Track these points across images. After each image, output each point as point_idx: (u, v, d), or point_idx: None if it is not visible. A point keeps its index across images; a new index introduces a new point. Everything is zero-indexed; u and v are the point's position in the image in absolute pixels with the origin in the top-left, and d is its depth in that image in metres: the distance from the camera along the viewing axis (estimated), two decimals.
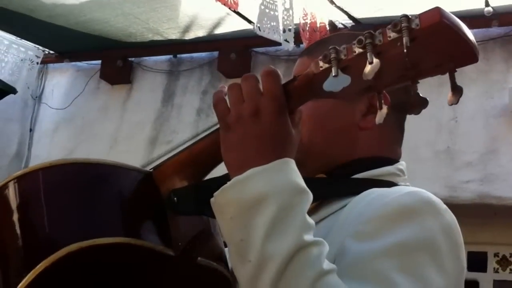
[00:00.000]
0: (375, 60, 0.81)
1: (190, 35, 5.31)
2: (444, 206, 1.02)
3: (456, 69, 0.85)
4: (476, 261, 5.01)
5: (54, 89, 6.30)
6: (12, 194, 0.97)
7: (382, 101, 0.87)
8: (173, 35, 5.32)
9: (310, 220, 0.89)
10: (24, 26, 5.40)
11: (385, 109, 0.87)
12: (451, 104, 0.90)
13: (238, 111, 0.91)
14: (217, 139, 0.95)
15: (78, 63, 6.14)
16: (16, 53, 5.79)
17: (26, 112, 6.35)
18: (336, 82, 0.86)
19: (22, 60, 5.82)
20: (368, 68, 0.82)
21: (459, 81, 0.88)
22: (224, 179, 0.93)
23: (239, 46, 5.27)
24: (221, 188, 0.89)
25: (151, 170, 1.02)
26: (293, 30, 4.28)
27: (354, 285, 0.89)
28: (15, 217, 0.96)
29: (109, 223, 0.95)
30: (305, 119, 1.11)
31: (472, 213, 4.38)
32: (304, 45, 4.49)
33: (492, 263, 5.18)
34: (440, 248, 0.97)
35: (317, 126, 1.15)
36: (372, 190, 1.04)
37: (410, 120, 4.75)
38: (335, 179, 1.15)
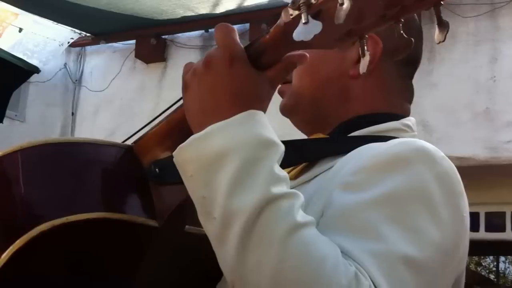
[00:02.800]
0: (346, 1, 0.73)
1: (221, 9, 5.30)
2: (441, 154, 0.94)
3: (442, 2, 0.76)
4: None
5: (92, 71, 6.43)
6: None
7: (365, 48, 0.80)
8: (204, 9, 5.32)
9: (282, 173, 0.83)
10: (59, 10, 5.50)
11: (367, 57, 0.81)
12: (439, 42, 0.81)
13: (194, 67, 0.88)
14: None
15: (114, 44, 6.24)
16: (52, 37, 5.90)
17: (67, 96, 6.50)
18: (307, 29, 0.78)
19: (60, 44, 5.94)
20: (339, 10, 0.74)
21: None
22: None
23: (269, 16, 5.22)
24: (179, 147, 0.85)
25: (132, 145, 1.00)
26: None
27: (338, 238, 0.83)
28: None
29: (88, 199, 0.93)
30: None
31: None
32: None
33: None
34: (434, 198, 0.89)
35: (306, 73, 1.10)
36: (367, 145, 0.98)
37: (447, 83, 4.65)
38: (332, 138, 1.10)
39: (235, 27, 0.89)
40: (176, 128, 0.95)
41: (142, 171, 0.97)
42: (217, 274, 0.94)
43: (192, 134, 0.88)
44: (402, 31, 0.79)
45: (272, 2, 5.15)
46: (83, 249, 0.92)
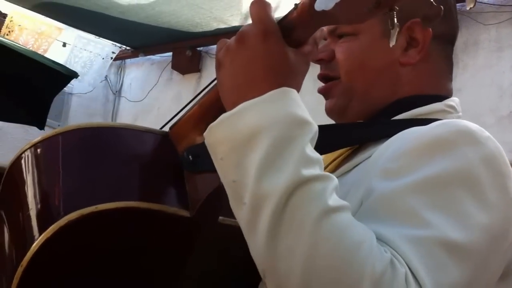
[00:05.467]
0: None
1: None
2: (486, 134, 0.89)
3: None
4: None
5: (132, 82, 6.70)
6: (28, 160, 0.96)
7: (395, 19, 0.77)
8: (236, 21, 5.52)
9: (314, 154, 0.78)
10: (100, 24, 5.80)
11: (396, 28, 0.78)
12: (469, 8, 0.83)
13: (227, 44, 0.84)
14: None
15: (152, 57, 6.51)
16: (96, 51, 6.19)
17: (107, 106, 6.80)
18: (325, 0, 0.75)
19: (100, 56, 6.23)
20: None
21: None
22: None
23: None
24: (209, 126, 0.81)
25: (168, 131, 0.96)
26: None
27: (375, 225, 0.78)
28: (29, 183, 0.94)
29: (120, 187, 0.89)
30: (341, 61, 1.06)
31: None
32: None
33: None
34: (480, 180, 0.83)
35: (356, 67, 1.05)
36: (407, 129, 0.92)
37: (470, 88, 4.79)
38: (374, 122, 1.05)
39: None
40: (210, 110, 0.91)
41: (177, 158, 0.93)
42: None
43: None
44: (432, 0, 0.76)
45: None
46: (112, 238, 0.89)
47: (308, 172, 0.75)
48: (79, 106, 6.63)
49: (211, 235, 0.94)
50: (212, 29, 5.73)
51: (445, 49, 1.08)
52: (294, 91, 0.81)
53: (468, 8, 0.84)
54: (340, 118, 1.10)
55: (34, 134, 6.03)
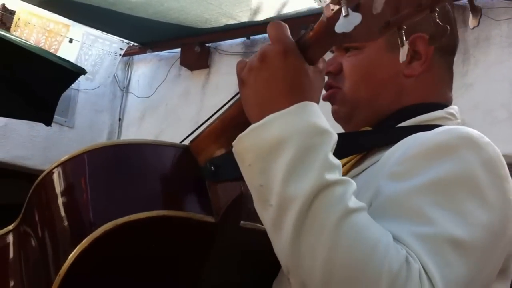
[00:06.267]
0: None
1: (261, 16, 5.50)
2: (486, 139, 0.97)
3: None
4: None
5: (139, 79, 6.68)
6: (57, 178, 1.00)
7: (403, 38, 0.85)
8: (245, 17, 5.52)
9: (335, 160, 0.86)
10: (107, 20, 5.78)
11: (406, 46, 0.85)
12: (473, 27, 0.94)
13: (249, 64, 0.92)
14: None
15: (160, 53, 6.48)
16: (101, 47, 6.17)
17: (115, 103, 6.77)
18: (348, 21, 0.85)
19: (109, 53, 6.21)
20: (376, 1, 0.81)
21: None
22: None
23: (309, 22, 5.37)
24: (238, 136, 0.90)
25: (188, 145, 1.04)
26: None
27: (386, 224, 0.85)
28: (60, 199, 0.99)
29: (147, 198, 0.96)
30: (348, 73, 1.15)
31: None
32: None
33: None
34: (481, 182, 0.92)
35: (362, 79, 1.14)
36: (412, 135, 1.01)
37: (482, 83, 4.76)
38: (380, 130, 1.14)
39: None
40: (230, 125, 1.00)
41: (198, 169, 1.00)
42: (273, 269, 1.03)
43: (243, 130, 0.93)
44: (438, 20, 0.83)
45: (311, 9, 5.33)
46: (144, 247, 0.95)
47: (330, 176, 0.83)
48: (86, 103, 6.61)
49: (233, 238, 1.02)
50: (221, 25, 5.72)
51: (446, 60, 1.17)
52: (315, 104, 0.89)
53: (471, 28, 0.88)
54: (347, 124, 1.19)
55: (39, 131, 6.06)
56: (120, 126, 6.67)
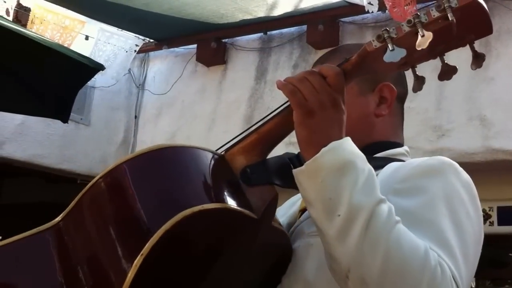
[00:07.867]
0: (427, 33, 1.04)
1: (278, 11, 5.46)
2: (460, 167, 1.24)
3: (475, 41, 1.07)
4: None
5: (155, 75, 6.64)
6: (130, 171, 1.07)
7: (416, 72, 1.14)
8: (262, 12, 5.47)
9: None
10: (123, 16, 5.74)
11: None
12: (475, 69, 1.10)
13: (319, 100, 1.11)
14: (284, 122, 1.16)
15: (176, 49, 6.44)
16: (116, 43, 6.15)
17: (130, 100, 6.73)
18: (394, 54, 1.08)
19: (124, 50, 6.19)
20: (421, 39, 1.04)
21: None
22: (285, 156, 1.21)
23: (326, 17, 5.35)
24: (312, 158, 1.09)
25: (223, 153, 1.18)
26: None
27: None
28: (144, 187, 1.06)
29: (205, 194, 1.07)
30: None
31: None
32: (388, 10, 4.52)
33: None
34: (464, 199, 1.18)
35: None
36: (394, 163, 1.30)
37: (504, 77, 4.74)
38: (369, 159, 1.29)
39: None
40: (264, 139, 1.18)
41: (233, 175, 1.14)
42: (283, 266, 1.22)
43: (276, 143, 1.18)
44: (446, 62, 1.10)
45: (328, 4, 5.27)
46: (210, 235, 1.05)
47: (380, 194, 1.08)
48: (102, 100, 6.57)
49: (263, 236, 1.15)
50: (237, 20, 5.68)
51: (400, 107, 1.46)
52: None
53: (474, 69, 1.11)
54: None
55: (56, 128, 6.04)
56: (136, 124, 6.64)
